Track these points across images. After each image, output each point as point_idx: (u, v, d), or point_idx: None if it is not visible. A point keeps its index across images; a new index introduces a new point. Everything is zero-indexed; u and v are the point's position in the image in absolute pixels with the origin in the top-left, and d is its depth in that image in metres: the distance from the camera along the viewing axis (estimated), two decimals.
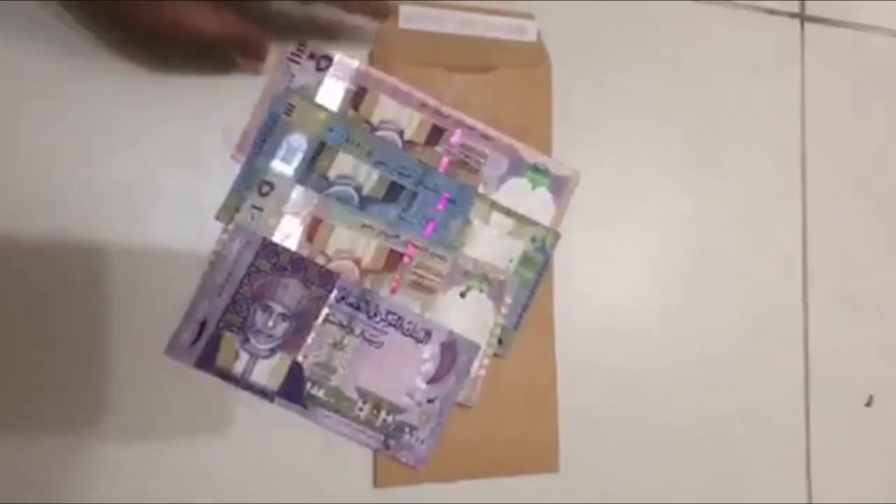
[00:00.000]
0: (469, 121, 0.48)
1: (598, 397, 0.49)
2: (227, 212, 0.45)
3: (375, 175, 0.46)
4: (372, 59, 0.48)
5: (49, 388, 0.42)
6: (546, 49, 0.50)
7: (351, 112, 0.47)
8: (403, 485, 0.45)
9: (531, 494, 0.47)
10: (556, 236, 0.49)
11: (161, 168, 0.44)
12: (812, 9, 0.56)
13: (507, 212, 0.48)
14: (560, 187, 0.49)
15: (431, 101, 0.48)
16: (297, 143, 0.46)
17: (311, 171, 0.46)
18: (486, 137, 0.49)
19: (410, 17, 0.49)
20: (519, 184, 0.49)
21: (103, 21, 0.44)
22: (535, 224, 0.49)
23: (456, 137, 0.48)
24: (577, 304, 0.50)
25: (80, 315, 0.43)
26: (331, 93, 0.47)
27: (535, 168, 0.49)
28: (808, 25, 0.56)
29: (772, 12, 0.55)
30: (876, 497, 0.53)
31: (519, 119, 0.49)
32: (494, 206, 0.48)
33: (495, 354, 0.47)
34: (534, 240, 0.48)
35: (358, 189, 0.46)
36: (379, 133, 0.47)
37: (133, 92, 0.44)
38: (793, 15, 0.56)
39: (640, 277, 0.52)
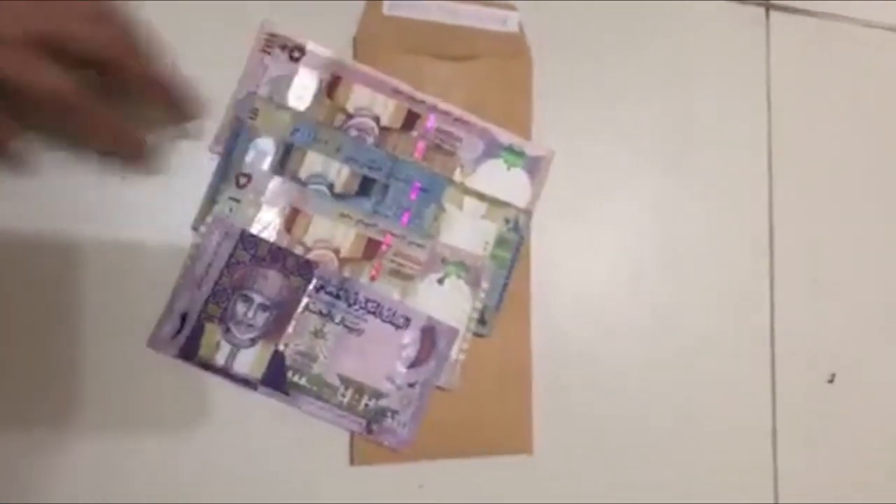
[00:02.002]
0: (443, 105, 0.49)
1: (573, 378, 0.51)
2: (207, 205, 0.45)
3: (346, 171, 0.47)
4: (355, 46, 0.48)
5: (30, 381, 0.42)
6: (527, 40, 0.51)
7: (326, 101, 0.47)
8: (379, 463, 0.46)
9: (503, 477, 0.49)
10: (529, 215, 0.50)
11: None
12: None
13: (480, 196, 0.49)
14: (535, 167, 0.50)
15: (405, 88, 0.48)
16: (265, 145, 0.46)
17: (283, 172, 0.46)
18: (461, 121, 0.49)
19: (394, 5, 0.49)
20: (495, 165, 0.50)
21: None
22: (508, 205, 0.49)
23: (431, 122, 0.49)
24: (552, 287, 0.51)
25: (60, 309, 0.43)
26: (305, 83, 0.47)
27: (510, 149, 0.50)
28: (773, 13, 0.57)
29: (738, 1, 0.56)
30: (839, 470, 0.55)
31: (499, 108, 0.50)
32: (467, 191, 0.49)
33: (478, 335, 0.48)
34: (507, 221, 0.49)
35: (330, 186, 0.47)
36: (355, 120, 0.48)
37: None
38: (759, 3, 0.57)
39: (613, 260, 0.53)
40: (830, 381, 0.56)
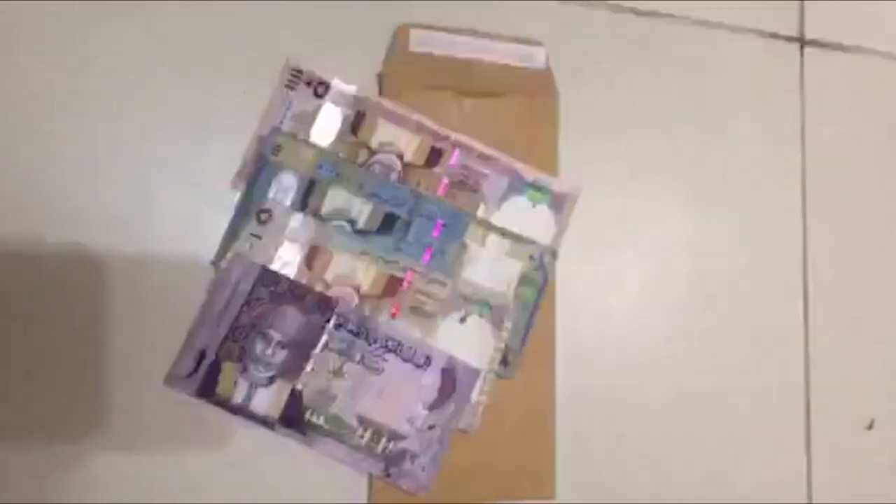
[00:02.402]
0: (467, 141, 0.48)
1: (597, 421, 0.49)
2: (227, 241, 0.45)
3: (368, 207, 0.46)
4: (380, 82, 0.48)
5: (45, 415, 0.42)
6: (554, 77, 0.50)
7: (350, 137, 0.47)
8: None
9: None
10: (554, 253, 0.49)
11: (161, 194, 0.44)
12: (811, 32, 0.56)
13: (503, 232, 0.48)
14: (560, 203, 0.49)
15: (429, 124, 0.48)
16: (288, 181, 0.46)
17: (305, 207, 0.46)
18: (485, 157, 0.48)
19: (421, 41, 0.49)
20: (519, 202, 0.49)
21: None
22: (532, 242, 0.48)
23: (454, 158, 0.48)
24: (577, 327, 0.49)
25: (79, 343, 0.43)
26: (329, 119, 0.47)
27: (535, 185, 0.49)
28: (807, 49, 0.56)
29: (772, 36, 0.55)
30: None
31: (524, 144, 0.49)
32: (490, 228, 0.48)
33: (501, 376, 0.47)
34: (531, 258, 0.48)
35: (352, 223, 0.46)
36: (378, 156, 0.47)
37: (134, 112, 0.44)
38: (792, 39, 0.56)
39: (641, 299, 0.51)
40: (869, 428, 0.53)
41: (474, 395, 0.46)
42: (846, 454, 0.53)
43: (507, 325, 0.47)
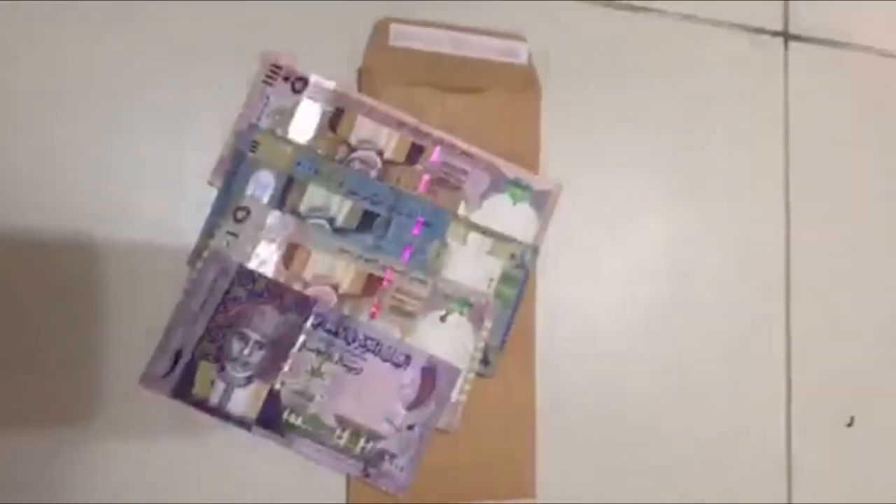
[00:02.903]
0: (448, 138, 0.48)
1: (579, 418, 0.49)
2: (203, 239, 0.44)
3: (348, 205, 0.46)
4: (359, 77, 0.47)
5: (19, 419, 0.41)
6: (536, 72, 0.50)
7: (329, 133, 0.46)
8: None
9: None
10: (535, 251, 0.48)
11: (136, 191, 0.44)
12: (795, 27, 0.55)
13: (484, 231, 0.48)
14: (542, 201, 0.49)
15: (410, 120, 0.47)
16: (266, 179, 0.45)
17: (283, 205, 0.45)
18: (466, 154, 0.48)
19: (401, 35, 0.48)
20: (500, 199, 0.48)
21: None
22: (513, 240, 0.48)
23: (435, 155, 0.48)
24: (558, 325, 0.49)
25: (54, 341, 0.42)
26: (308, 115, 0.46)
27: (517, 183, 0.49)
28: (791, 43, 0.55)
29: (757, 31, 0.55)
30: None
31: (506, 142, 0.49)
32: (471, 226, 0.48)
33: (481, 375, 0.47)
34: (513, 256, 0.48)
35: (331, 221, 0.46)
36: (358, 153, 0.47)
37: (109, 109, 0.44)
38: (776, 33, 0.55)
39: (622, 298, 0.51)
40: (849, 425, 0.54)
41: (454, 395, 0.46)
42: (826, 451, 0.53)
43: (488, 323, 0.47)
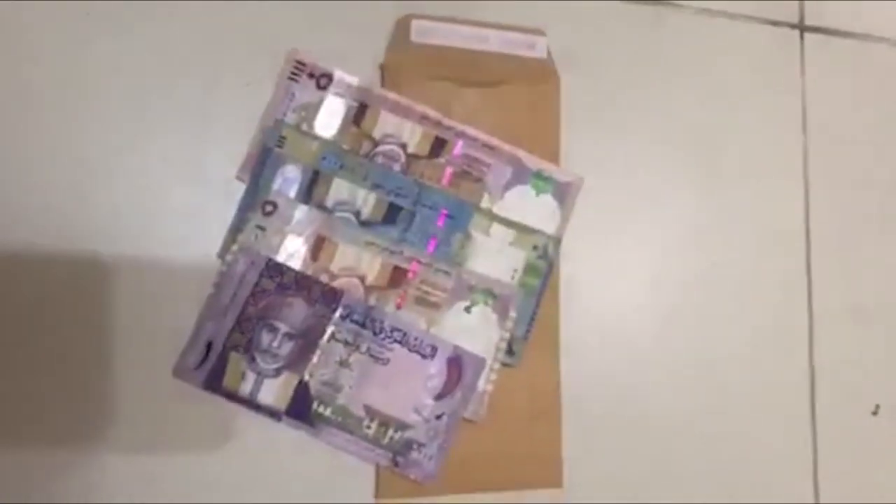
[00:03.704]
0: (471, 131, 0.48)
1: (603, 409, 0.49)
2: (232, 234, 0.45)
3: (373, 198, 0.46)
4: (382, 73, 0.48)
5: (55, 409, 0.42)
6: (555, 65, 0.50)
7: (353, 129, 0.47)
8: (405, 498, 0.45)
9: None
10: (558, 242, 0.49)
11: (166, 188, 0.45)
12: (811, 19, 0.56)
13: (508, 222, 0.48)
14: (564, 193, 0.49)
15: (432, 114, 0.48)
16: (292, 173, 0.46)
17: (310, 199, 0.46)
18: (489, 147, 0.49)
19: (422, 32, 0.49)
20: (523, 191, 0.49)
21: None
22: (536, 232, 0.49)
23: (458, 148, 0.48)
24: (582, 315, 0.50)
25: (86, 337, 0.43)
26: (332, 110, 0.47)
27: (539, 175, 0.49)
28: (807, 35, 0.56)
29: (772, 23, 0.55)
30: None
31: (528, 134, 0.49)
32: (494, 217, 0.48)
33: (506, 365, 0.47)
34: (535, 248, 0.48)
35: (357, 214, 0.46)
36: (382, 147, 0.47)
37: (137, 106, 0.45)
38: (793, 26, 0.56)
39: (645, 288, 0.51)
40: (875, 413, 0.54)
41: (480, 384, 0.46)
42: (852, 440, 0.53)
43: (512, 314, 0.47)
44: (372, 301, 0.46)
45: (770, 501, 0.51)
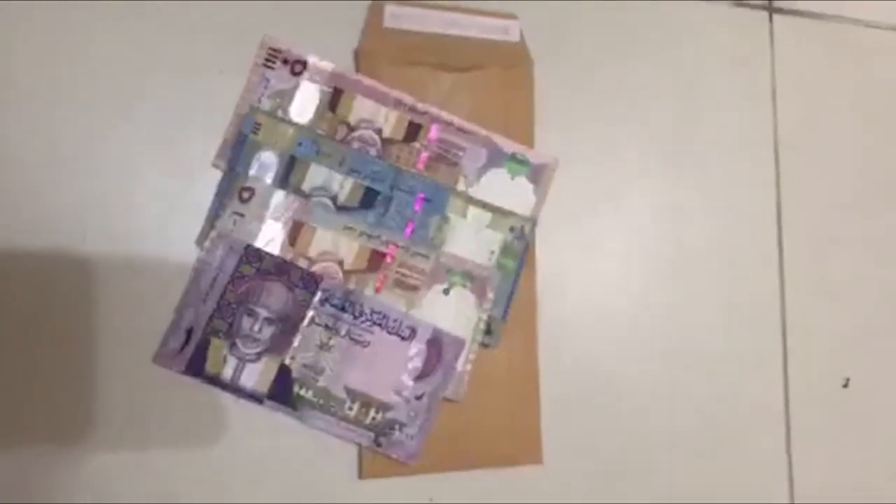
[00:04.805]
0: (445, 116, 0.49)
1: (581, 386, 0.50)
2: (210, 220, 0.45)
3: (349, 183, 0.47)
4: (356, 59, 0.48)
5: (38, 396, 0.42)
6: (528, 49, 0.51)
7: (328, 114, 0.47)
8: (388, 477, 0.46)
9: (513, 488, 0.48)
10: (534, 223, 0.50)
11: (143, 176, 0.45)
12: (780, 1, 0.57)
13: (484, 205, 0.49)
14: (539, 175, 0.50)
15: (407, 99, 0.48)
16: (269, 160, 0.46)
17: (287, 184, 0.46)
18: (463, 131, 0.49)
19: (395, 17, 0.49)
20: (498, 174, 0.50)
21: None
22: (512, 214, 0.49)
23: (433, 133, 0.49)
24: (558, 295, 0.50)
25: (66, 325, 0.43)
26: (307, 96, 0.47)
27: (514, 157, 0.50)
28: (776, 17, 0.57)
29: (741, 4, 0.56)
30: (855, 475, 0.54)
31: (502, 117, 0.50)
32: (471, 200, 0.49)
33: (485, 345, 0.48)
34: (512, 229, 0.49)
35: (333, 199, 0.47)
36: (357, 133, 0.48)
37: (112, 95, 0.45)
38: (761, 7, 0.56)
39: (620, 267, 0.52)
40: (845, 386, 0.55)
41: (460, 365, 0.47)
42: (823, 411, 0.54)
43: (490, 295, 0.48)
44: (351, 285, 0.46)
45: (744, 469, 0.52)
